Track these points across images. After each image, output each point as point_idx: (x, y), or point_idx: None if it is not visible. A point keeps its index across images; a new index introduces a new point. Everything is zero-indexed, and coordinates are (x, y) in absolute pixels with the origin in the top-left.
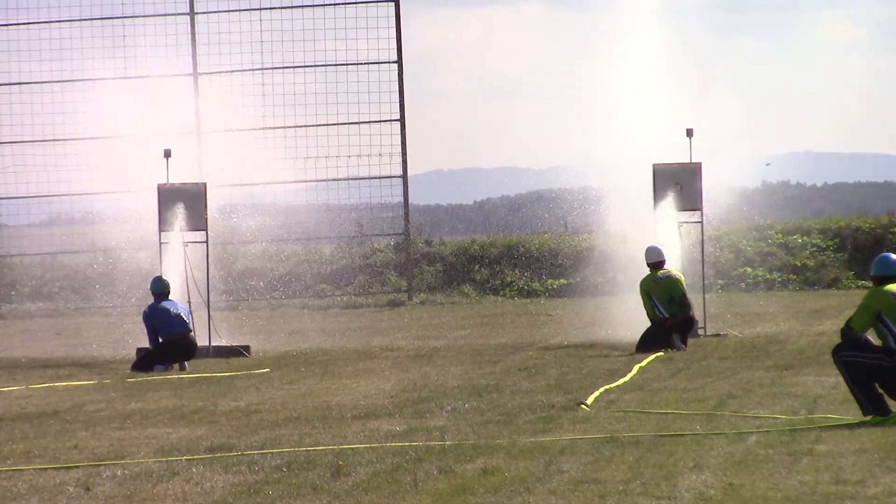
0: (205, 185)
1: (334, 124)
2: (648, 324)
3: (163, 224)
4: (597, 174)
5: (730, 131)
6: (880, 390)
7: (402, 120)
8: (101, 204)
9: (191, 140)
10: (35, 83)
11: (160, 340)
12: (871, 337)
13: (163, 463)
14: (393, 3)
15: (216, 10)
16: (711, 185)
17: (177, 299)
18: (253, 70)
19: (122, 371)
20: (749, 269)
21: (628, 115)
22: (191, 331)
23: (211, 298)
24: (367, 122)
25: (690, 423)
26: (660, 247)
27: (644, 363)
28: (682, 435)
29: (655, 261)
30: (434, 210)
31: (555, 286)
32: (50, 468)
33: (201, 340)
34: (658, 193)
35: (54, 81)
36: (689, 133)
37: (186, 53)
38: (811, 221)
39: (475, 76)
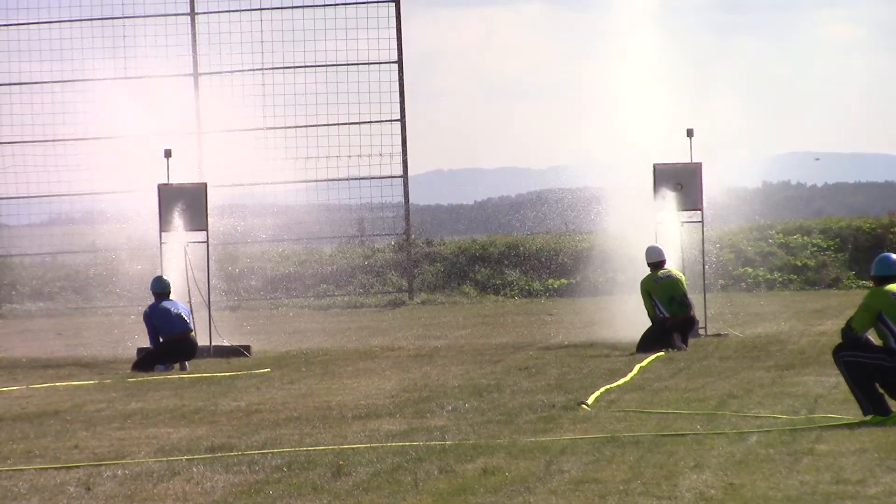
0: (205, 185)
1: (335, 124)
2: (649, 323)
3: (163, 224)
4: (597, 174)
5: (730, 131)
6: (881, 390)
7: (402, 120)
8: (102, 204)
9: (191, 140)
10: (35, 83)
11: (161, 340)
12: (872, 337)
13: (163, 463)
14: (393, 4)
15: (216, 10)
16: (712, 185)
17: (177, 299)
18: (253, 70)
19: (123, 371)
20: (750, 269)
21: (628, 115)
22: (191, 331)
23: (211, 298)
24: (368, 123)
25: (691, 422)
26: (660, 247)
27: (645, 363)
28: (682, 435)
29: (656, 260)
30: (434, 210)
31: (555, 286)
32: (50, 468)
33: (202, 340)
34: (658, 193)
35: (55, 81)
36: (690, 133)
37: (187, 53)
38: (812, 221)
39: (475, 76)
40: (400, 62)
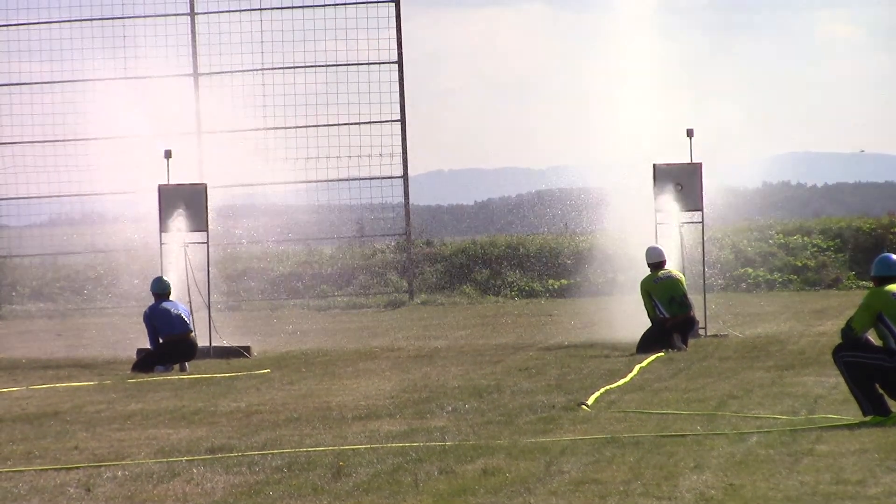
0: (205, 185)
1: (335, 125)
2: (649, 324)
3: (163, 225)
4: (597, 174)
5: (730, 131)
6: (881, 390)
7: (402, 120)
8: (102, 205)
9: (191, 141)
10: (35, 84)
11: (161, 341)
12: (872, 337)
13: (163, 464)
14: (393, 4)
15: (216, 10)
16: (712, 186)
17: (177, 300)
18: (253, 70)
19: (123, 372)
20: (750, 270)
21: (628, 115)
22: (191, 331)
23: (211, 299)
24: (368, 123)
25: (691, 423)
26: (660, 247)
27: (645, 363)
28: (682, 435)
29: (656, 261)
30: (435, 210)
31: (555, 286)
32: (50, 469)
33: (202, 341)
34: (658, 193)
35: (55, 82)
36: (690, 133)
37: (187, 54)
38: (812, 222)
39: (476, 77)
40: (400, 62)
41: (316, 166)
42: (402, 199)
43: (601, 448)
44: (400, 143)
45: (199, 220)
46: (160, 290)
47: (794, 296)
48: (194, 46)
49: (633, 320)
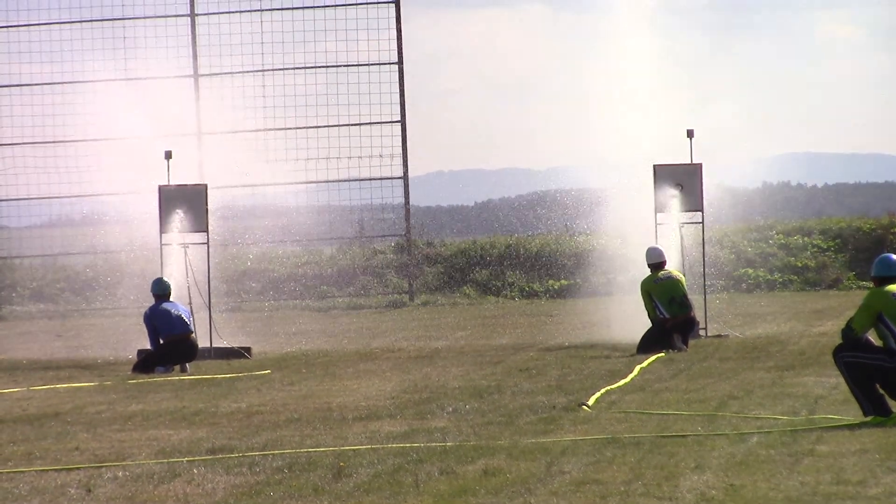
0: (205, 186)
1: (335, 126)
2: (649, 324)
3: (164, 226)
4: (597, 175)
5: (730, 132)
6: (881, 391)
7: (402, 121)
8: (102, 206)
9: (191, 141)
10: (36, 85)
11: (161, 342)
12: (872, 337)
13: (164, 464)
14: (393, 5)
15: (216, 11)
16: (712, 186)
17: (177, 301)
18: (253, 71)
19: (123, 373)
20: (750, 270)
21: (628, 116)
22: (192, 332)
23: (212, 300)
24: (368, 124)
25: (692, 423)
26: (660, 247)
27: (645, 364)
28: (683, 436)
29: (656, 261)
30: (435, 211)
31: (556, 287)
32: (51, 470)
33: (202, 342)
34: (659, 194)
35: (55, 83)
36: (690, 134)
37: (187, 55)
38: (812, 222)
39: (476, 77)
40: (400, 63)
41: (316, 167)
42: (402, 200)
43: (602, 448)
44: (400, 144)
45: (199, 221)
46: (160, 290)
47: (795, 296)
48: (194, 47)
49: (633, 321)
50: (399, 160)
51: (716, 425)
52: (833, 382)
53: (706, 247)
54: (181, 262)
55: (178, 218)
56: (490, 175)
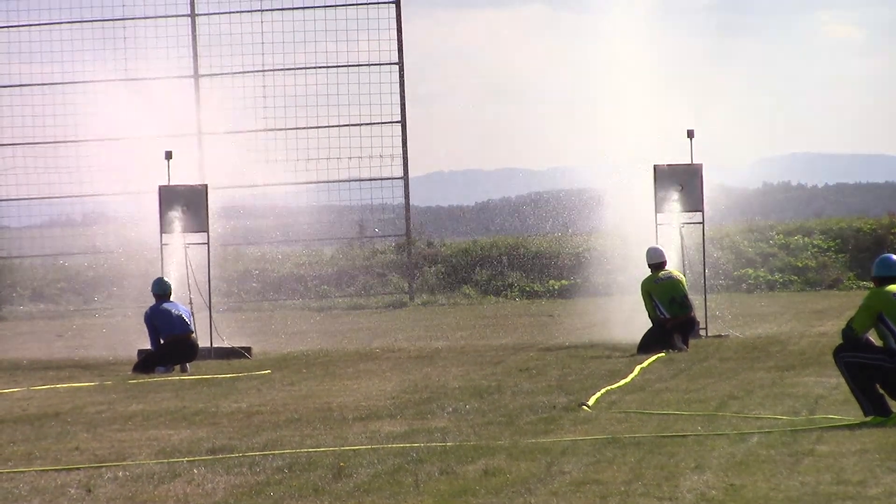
0: (206, 186)
1: (335, 126)
2: (650, 324)
3: (164, 226)
4: (597, 175)
5: (731, 132)
6: (881, 391)
7: (402, 121)
8: (103, 206)
9: (192, 142)
10: (36, 85)
11: (161, 342)
12: (873, 337)
13: (164, 464)
14: (393, 5)
15: (217, 11)
16: (712, 187)
17: (178, 301)
18: (254, 72)
19: (124, 373)
20: (750, 270)
21: (628, 116)
22: (192, 332)
23: (212, 300)
24: (369, 124)
25: (692, 423)
26: (661, 248)
27: (645, 364)
28: (683, 436)
29: (657, 262)
30: (435, 211)
31: (556, 287)
32: (51, 470)
33: (203, 342)
34: (659, 195)
35: (56, 83)
36: (690, 134)
37: (187, 55)
38: (812, 222)
39: (476, 77)
40: (400, 64)
41: (316, 167)
42: (402, 200)
43: (602, 448)
44: (400, 144)
45: (199, 221)
46: (161, 290)
47: (795, 296)
48: (195, 48)
49: (633, 321)
50: (399, 160)
51: (716, 425)
52: (833, 382)
53: (706, 247)
54: (181, 262)
55: (179, 218)
56: (490, 175)
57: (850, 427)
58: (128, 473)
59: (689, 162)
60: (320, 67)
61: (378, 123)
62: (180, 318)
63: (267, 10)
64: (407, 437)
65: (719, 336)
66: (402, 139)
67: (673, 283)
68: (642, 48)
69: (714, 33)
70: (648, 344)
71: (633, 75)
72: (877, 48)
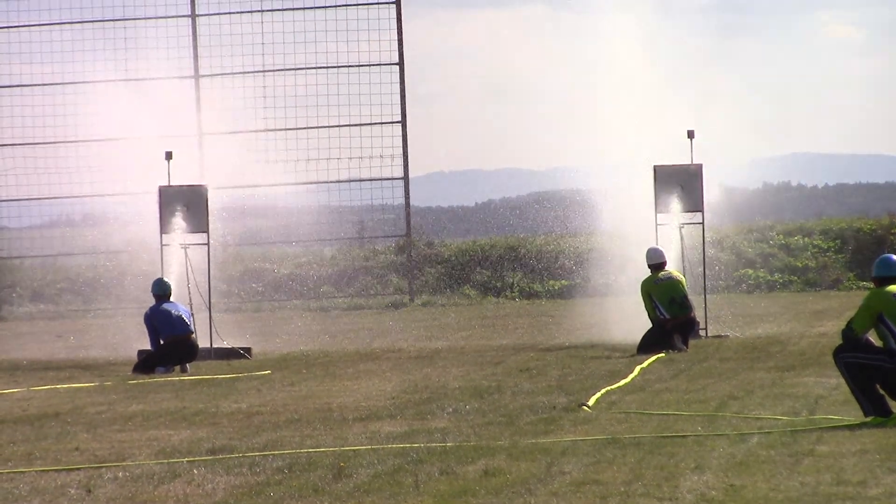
0: (206, 187)
1: (336, 126)
2: (649, 325)
3: (164, 226)
4: (598, 176)
5: (731, 132)
6: (881, 391)
7: (403, 122)
8: (103, 206)
9: (192, 142)
10: (36, 85)
11: (161, 342)
12: (873, 338)
13: (164, 465)
14: (394, 5)
15: (217, 12)
16: (712, 187)
17: (178, 301)
18: (254, 72)
19: (124, 373)
20: (750, 271)
21: (629, 117)
22: (192, 332)
23: (212, 300)
24: (369, 125)
25: (692, 424)
26: (661, 248)
27: (645, 364)
28: (683, 436)
29: (656, 262)
30: (435, 212)
31: (556, 287)
32: (51, 470)
33: (202, 342)
34: (659, 195)
35: (56, 84)
36: (691, 135)
37: (188, 56)
38: (812, 222)
39: (476, 77)
40: (401, 64)
41: (317, 168)
42: (402, 201)
43: (602, 449)
44: (401, 145)
45: (199, 222)
46: (161, 291)
47: (795, 297)
48: (195, 48)
49: (633, 321)
50: (399, 160)
51: (716, 426)
52: (833, 383)
53: (706, 247)
54: (181, 262)
55: (179, 218)
56: (490, 175)
57: (850, 427)
58: (128, 474)
59: (689, 162)
60: (320, 68)
61: (378, 123)
62: (180, 318)
63: (267, 11)
64: (407, 438)
65: (719, 336)
66: (403, 139)
67: (673, 283)
68: (642, 48)
69: (714, 33)
70: (648, 344)
71: (633, 75)
72: (877, 48)
